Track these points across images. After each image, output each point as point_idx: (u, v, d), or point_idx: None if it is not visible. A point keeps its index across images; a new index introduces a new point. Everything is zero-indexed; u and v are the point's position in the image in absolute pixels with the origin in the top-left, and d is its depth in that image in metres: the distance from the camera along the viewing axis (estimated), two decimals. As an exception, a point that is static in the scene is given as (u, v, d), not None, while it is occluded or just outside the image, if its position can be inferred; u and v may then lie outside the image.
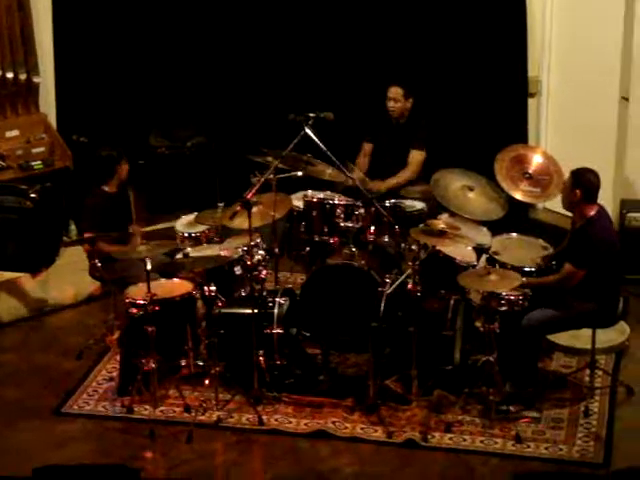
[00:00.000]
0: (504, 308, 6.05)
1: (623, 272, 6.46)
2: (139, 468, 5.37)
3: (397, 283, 6.22)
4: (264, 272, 6.59)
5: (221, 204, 6.83)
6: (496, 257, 6.29)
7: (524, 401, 6.08)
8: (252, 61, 8.61)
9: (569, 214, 6.35)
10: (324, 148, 6.55)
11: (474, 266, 6.38)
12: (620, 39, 7.79)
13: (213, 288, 6.35)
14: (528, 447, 5.86)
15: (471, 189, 6.81)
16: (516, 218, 7.22)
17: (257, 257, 6.51)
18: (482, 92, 8.20)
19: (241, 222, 6.32)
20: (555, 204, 7.47)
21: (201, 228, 6.95)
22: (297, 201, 6.82)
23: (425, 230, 6.26)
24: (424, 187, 7.16)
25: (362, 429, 6.06)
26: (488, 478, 5.65)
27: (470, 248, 6.46)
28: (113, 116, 8.56)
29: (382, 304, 6.14)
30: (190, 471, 5.74)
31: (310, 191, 6.92)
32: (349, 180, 6.75)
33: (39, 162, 8.10)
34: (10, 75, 8.08)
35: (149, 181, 8.51)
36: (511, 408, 6.03)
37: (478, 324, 6.39)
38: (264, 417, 6.14)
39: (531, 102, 8.33)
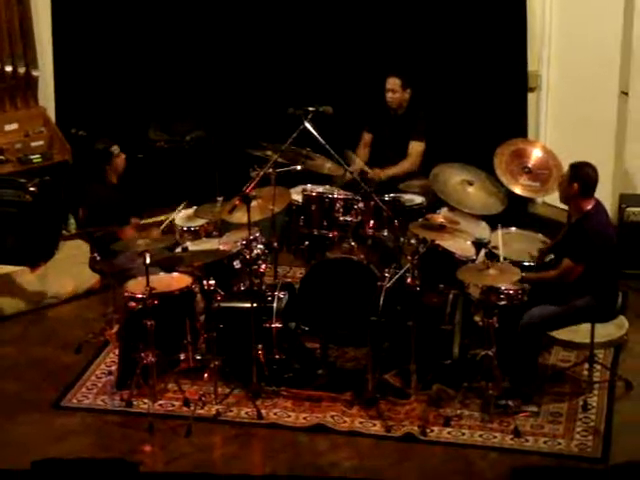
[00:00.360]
0: (503, 302, 6.05)
1: (622, 266, 6.46)
2: (138, 462, 5.37)
3: (396, 277, 6.22)
4: (263, 266, 6.59)
5: (220, 198, 6.83)
6: (495, 251, 6.29)
7: (523, 396, 6.08)
8: (251, 55, 8.61)
9: (568, 210, 6.35)
10: (323, 142, 6.55)
11: (473, 260, 6.39)
12: (620, 33, 7.79)
13: (212, 282, 6.35)
14: (527, 441, 5.87)
15: (470, 183, 6.81)
16: (515, 212, 7.22)
17: (256, 251, 6.50)
18: (482, 86, 8.20)
19: (240, 216, 6.32)
20: (554, 199, 7.46)
21: (200, 222, 6.95)
22: (296, 195, 6.83)
23: (424, 224, 6.27)
24: (423, 181, 7.16)
25: (361, 423, 6.07)
26: (487, 472, 5.65)
27: (469, 242, 6.46)
28: (112, 110, 8.55)
29: (381, 298, 6.14)
30: (189, 465, 5.75)
31: (309, 185, 6.92)
32: (348, 174, 6.76)
33: (38, 156, 8.10)
34: (9, 69, 8.07)
35: (148, 175, 8.51)
36: (510, 403, 6.03)
37: (477, 318, 6.41)
38: (263, 411, 6.14)
39: (531, 96, 8.34)
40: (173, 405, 6.27)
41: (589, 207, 6.02)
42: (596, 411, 6.11)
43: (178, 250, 6.73)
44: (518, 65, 8.19)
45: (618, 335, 6.78)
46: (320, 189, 6.81)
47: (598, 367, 6.43)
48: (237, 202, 6.26)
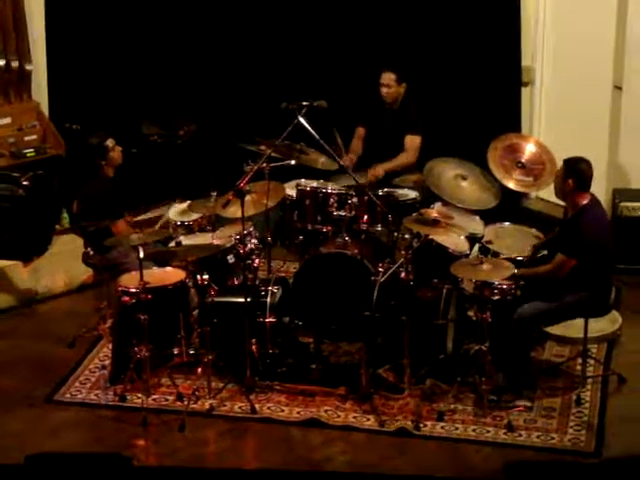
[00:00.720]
0: (497, 297, 6.05)
1: (616, 262, 6.47)
2: (131, 456, 5.36)
3: (390, 272, 6.22)
4: (257, 261, 6.59)
5: (214, 193, 6.82)
6: (489, 246, 6.29)
7: (516, 391, 6.09)
8: (245, 49, 8.59)
9: (562, 203, 6.36)
10: (317, 136, 6.54)
11: (467, 255, 6.39)
12: (613, 28, 7.80)
13: (206, 277, 6.34)
14: (520, 436, 5.88)
15: (464, 178, 6.82)
16: (509, 207, 7.22)
17: (250, 246, 6.50)
18: (475, 81, 8.19)
19: (234, 211, 6.31)
20: (548, 193, 7.48)
21: (194, 217, 6.94)
22: (290, 190, 6.82)
23: (418, 219, 6.26)
24: (417, 176, 7.17)
25: (354, 418, 6.07)
26: (480, 466, 5.66)
27: (463, 237, 6.46)
28: (105, 104, 8.53)
29: (375, 293, 6.14)
30: (182, 459, 5.75)
31: (303, 180, 6.92)
32: (342, 166, 6.76)
33: (31, 150, 8.08)
34: (2, 63, 8.05)
35: (141, 169, 8.49)
36: (503, 397, 6.04)
37: (471, 313, 6.41)
38: (256, 405, 6.14)
39: (524, 91, 8.33)
40: (167, 399, 6.27)
41: (585, 202, 6.03)
42: (589, 406, 6.12)
43: (172, 244, 6.72)
44: (512, 60, 8.18)
45: (611, 330, 6.79)
46: (314, 184, 6.81)
47: (591, 362, 6.44)
48: (231, 197, 6.26)
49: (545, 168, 6.80)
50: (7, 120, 8.15)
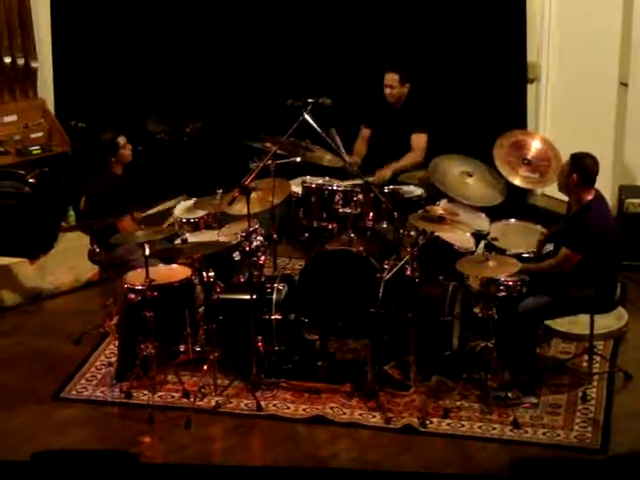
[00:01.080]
0: (502, 294, 6.05)
1: (621, 258, 6.46)
2: (137, 453, 5.37)
3: (396, 269, 6.21)
4: (263, 258, 6.59)
5: (220, 190, 6.83)
6: (494, 243, 6.29)
7: (522, 388, 6.09)
8: (251, 46, 8.59)
9: (567, 200, 6.35)
10: (322, 134, 6.54)
11: (473, 252, 6.39)
12: (619, 25, 7.79)
13: (212, 274, 6.34)
14: (526, 432, 5.87)
15: (470, 175, 6.81)
16: (515, 204, 7.22)
17: (255, 243, 6.50)
18: (481, 78, 8.19)
19: (240, 208, 6.31)
20: (554, 190, 7.46)
21: (200, 214, 6.95)
22: (296, 187, 6.82)
23: (424, 216, 6.26)
24: (423, 173, 7.16)
25: (360, 415, 6.07)
26: (486, 463, 5.66)
27: (469, 234, 6.46)
28: (111, 101, 8.54)
29: (380, 290, 6.13)
30: (188, 456, 5.75)
31: (309, 177, 6.92)
32: (347, 165, 6.76)
33: (37, 147, 8.09)
34: (8, 60, 8.06)
35: (147, 167, 8.50)
36: (509, 394, 6.04)
37: (476, 310, 6.41)
38: (262, 403, 6.14)
39: (530, 88, 8.33)
40: (173, 396, 6.28)
41: (589, 198, 6.02)
42: (595, 402, 6.11)
43: (177, 242, 6.73)
44: (517, 56, 8.18)
45: (617, 327, 6.79)
46: (320, 181, 6.81)
47: (597, 358, 6.44)
48: (236, 194, 6.26)
49: (551, 165, 6.79)
50: (13, 117, 8.15)
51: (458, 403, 6.10)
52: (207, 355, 6.29)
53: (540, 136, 7.26)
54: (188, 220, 6.95)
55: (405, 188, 6.92)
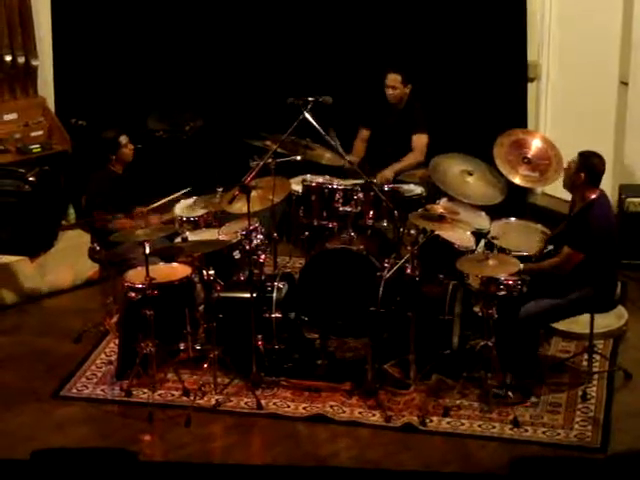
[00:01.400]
0: (503, 293, 6.04)
1: (621, 257, 6.46)
2: (137, 451, 5.37)
3: (396, 268, 6.21)
4: (263, 256, 6.59)
5: (220, 188, 6.83)
6: (495, 242, 6.29)
7: (524, 390, 6.08)
8: (251, 45, 8.59)
9: (568, 199, 6.35)
10: (323, 132, 6.54)
11: (473, 251, 6.39)
12: (620, 23, 7.79)
13: (212, 272, 6.35)
14: (526, 431, 5.87)
15: (470, 174, 6.80)
16: (515, 203, 7.22)
17: (256, 241, 6.50)
18: (482, 76, 8.19)
19: (240, 206, 6.31)
20: (554, 189, 7.48)
21: (200, 212, 6.95)
22: (296, 185, 6.82)
23: (424, 215, 6.26)
24: (423, 172, 7.16)
25: (360, 413, 6.07)
26: (486, 462, 5.66)
27: (469, 233, 6.46)
28: (111, 100, 8.54)
29: (381, 289, 6.13)
30: (188, 454, 5.75)
31: (309, 175, 6.92)
32: (347, 163, 6.75)
33: (37, 145, 8.09)
34: (8, 58, 8.06)
35: (147, 165, 8.50)
36: (510, 394, 6.04)
37: (477, 309, 6.41)
38: (262, 401, 6.14)
39: (530, 86, 8.33)
40: (173, 395, 6.28)
41: (593, 196, 6.02)
42: (595, 401, 6.12)
43: (178, 240, 6.73)
44: (518, 55, 8.18)
45: (617, 326, 6.79)
46: (320, 179, 6.81)
47: (597, 357, 6.45)
48: (237, 192, 6.26)
49: (551, 164, 6.78)
50: (13, 116, 8.16)
51: (458, 402, 6.10)
52: (207, 353, 6.30)
53: (540, 135, 7.25)
54: (188, 218, 6.95)
55: (405, 187, 6.91)
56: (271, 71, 8.55)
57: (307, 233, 6.73)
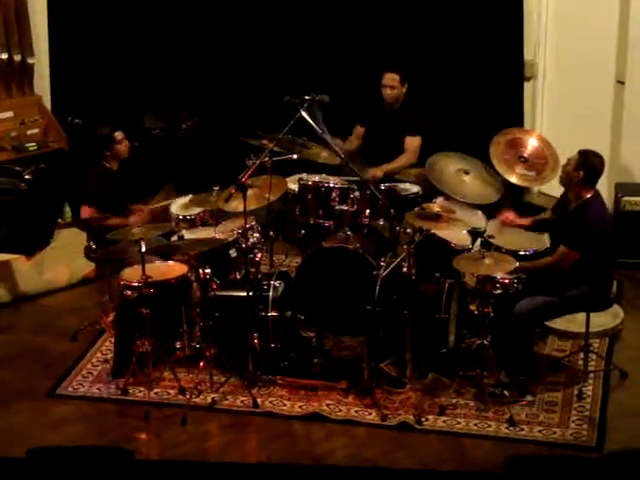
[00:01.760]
0: (499, 291, 6.05)
1: (617, 255, 6.47)
2: (133, 450, 5.36)
3: (392, 266, 6.21)
4: (259, 255, 6.59)
5: (216, 187, 6.82)
6: (491, 240, 6.29)
7: (519, 388, 6.09)
8: (248, 43, 8.59)
9: (559, 195, 6.35)
10: (319, 131, 6.53)
11: (469, 250, 6.39)
12: (616, 22, 7.79)
13: (208, 271, 6.34)
14: (522, 430, 5.88)
15: (466, 173, 6.81)
16: (511, 202, 7.21)
17: (252, 240, 6.50)
18: (478, 75, 8.19)
19: (236, 205, 6.31)
20: (550, 188, 7.48)
21: (196, 211, 6.95)
22: (292, 184, 6.82)
23: (420, 213, 6.26)
24: (419, 170, 7.16)
25: (356, 412, 6.08)
26: (482, 461, 5.66)
27: (465, 232, 6.46)
28: (108, 98, 8.54)
29: (377, 287, 6.14)
30: (184, 453, 5.75)
31: (305, 174, 6.91)
32: (342, 160, 6.76)
33: (33, 144, 8.09)
34: (4, 56, 8.06)
35: (143, 163, 8.50)
36: (506, 393, 6.04)
37: (473, 307, 6.41)
38: (258, 400, 6.14)
39: (527, 86, 8.33)
40: (169, 393, 6.27)
41: (588, 195, 6.03)
42: (591, 400, 6.12)
43: (174, 238, 6.72)
44: (514, 54, 8.18)
45: (613, 324, 6.79)
46: (316, 178, 6.81)
47: (593, 356, 6.45)
48: (233, 191, 6.25)
49: (547, 163, 6.79)
50: (9, 114, 8.15)
51: (454, 400, 6.10)
52: (203, 352, 6.30)
53: (537, 134, 7.26)
54: (185, 217, 6.95)
55: (402, 185, 6.91)
56: (268, 69, 8.54)
57: (303, 232, 6.73)
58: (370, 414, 6.05)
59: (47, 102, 8.42)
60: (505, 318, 6.05)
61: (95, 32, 8.48)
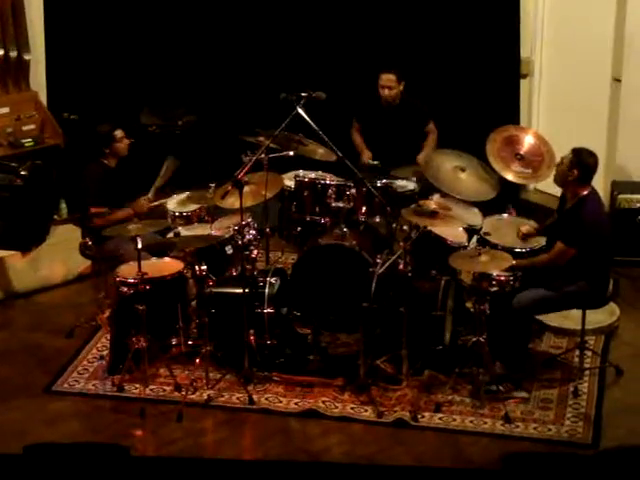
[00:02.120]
0: (495, 289, 6.05)
1: (613, 253, 6.47)
2: (129, 446, 5.36)
3: (388, 263, 6.22)
4: (255, 252, 6.59)
5: (212, 184, 6.82)
6: (487, 238, 6.30)
7: (513, 381, 6.10)
8: (245, 40, 8.58)
9: (560, 195, 6.36)
10: (316, 127, 6.53)
11: (465, 247, 6.39)
12: (613, 20, 7.79)
13: (204, 267, 6.34)
14: (517, 427, 5.89)
15: (463, 170, 6.81)
16: (507, 199, 7.22)
17: (248, 237, 6.50)
18: (474, 73, 8.19)
19: (233, 202, 6.31)
20: (546, 185, 7.48)
21: (192, 207, 6.94)
22: (289, 181, 6.82)
23: (417, 210, 6.26)
24: (416, 167, 7.16)
25: (352, 409, 6.08)
26: (477, 458, 5.67)
27: (461, 229, 6.47)
28: (104, 94, 8.52)
29: (373, 284, 6.13)
30: (180, 449, 5.75)
31: (302, 171, 6.91)
32: (339, 158, 6.75)
33: (29, 140, 8.07)
34: (0, 52, 8.03)
35: (140, 159, 8.49)
36: (501, 388, 6.05)
37: (469, 305, 6.41)
38: (254, 396, 6.15)
39: (523, 83, 8.34)
40: (164, 390, 6.27)
41: (584, 193, 6.04)
42: (586, 397, 6.13)
43: (170, 235, 6.72)
44: (511, 52, 8.19)
45: (609, 322, 6.80)
46: (312, 175, 6.81)
47: (589, 354, 6.46)
48: (229, 187, 6.25)
49: (544, 160, 6.79)
50: (5, 110, 8.13)
51: (450, 397, 6.11)
52: (199, 349, 6.29)
53: (533, 131, 7.25)
54: (181, 214, 6.94)
55: (398, 182, 6.91)
56: (264, 66, 8.54)
57: (299, 228, 6.73)
58: (366, 411, 6.05)
59: (43, 98, 8.40)
60: (501, 315, 6.05)
61: (91, 28, 8.46)
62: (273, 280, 6.42)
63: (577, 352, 6.38)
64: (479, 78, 8.20)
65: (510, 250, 6.18)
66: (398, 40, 8.19)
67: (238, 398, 6.18)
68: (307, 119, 6.51)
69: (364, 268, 6.26)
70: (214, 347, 6.27)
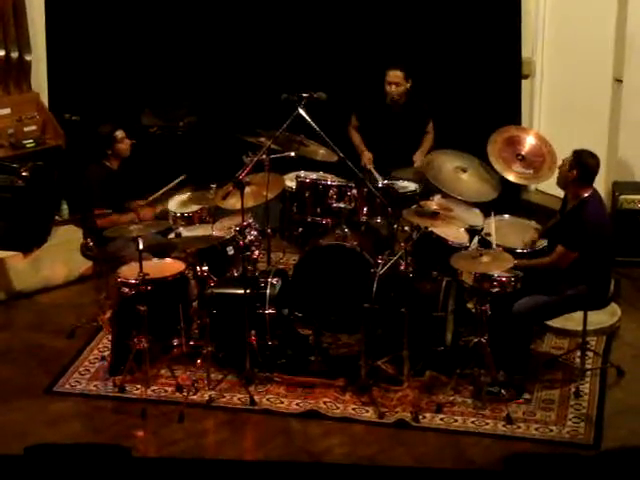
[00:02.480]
0: (496, 290, 6.05)
1: (615, 254, 6.47)
2: (130, 447, 5.36)
3: (389, 264, 6.21)
4: (256, 252, 6.59)
5: (214, 184, 6.82)
6: (488, 238, 6.30)
7: (516, 387, 6.09)
8: (246, 41, 8.58)
9: (561, 196, 6.36)
10: (317, 128, 6.53)
11: (466, 247, 6.39)
12: (614, 21, 7.79)
13: (205, 268, 6.34)
14: (519, 428, 5.89)
15: (464, 170, 6.81)
16: (509, 200, 7.22)
17: (249, 237, 6.50)
18: (476, 74, 8.19)
19: (234, 202, 6.31)
20: (548, 186, 7.48)
21: (194, 208, 6.94)
22: (290, 181, 6.82)
23: (418, 211, 6.26)
24: (416, 168, 7.16)
25: (353, 409, 6.08)
26: (479, 458, 5.67)
27: (462, 229, 6.46)
28: (105, 95, 8.53)
29: (374, 285, 6.14)
30: (181, 450, 5.75)
31: (303, 171, 6.91)
32: (340, 158, 6.75)
33: (31, 140, 8.08)
34: (2, 53, 8.04)
35: (141, 161, 8.50)
36: (503, 391, 6.05)
37: (470, 305, 6.41)
38: (256, 397, 6.15)
39: (525, 84, 8.33)
40: (166, 391, 6.27)
41: (586, 194, 6.04)
42: (588, 398, 6.13)
43: (171, 236, 6.72)
44: (512, 52, 8.18)
45: (610, 323, 6.80)
46: (314, 176, 6.81)
47: (590, 354, 6.46)
48: (231, 188, 6.26)
49: (545, 161, 6.79)
50: (7, 111, 8.14)
51: (451, 398, 6.11)
52: (201, 349, 6.30)
53: (534, 132, 7.25)
54: (182, 214, 6.94)
55: (399, 183, 6.91)
56: (265, 67, 8.54)
57: (301, 229, 6.73)
58: (367, 412, 6.05)
59: (44, 99, 8.40)
60: (502, 316, 6.05)
61: (93, 29, 8.46)
62: (274, 281, 6.41)
63: (578, 353, 6.38)
64: (480, 79, 8.19)
65: (511, 251, 6.17)
66: (398, 40, 8.18)
67: (239, 399, 6.18)
68: (308, 120, 6.50)
69: (365, 269, 6.26)
70: (215, 348, 6.27)
